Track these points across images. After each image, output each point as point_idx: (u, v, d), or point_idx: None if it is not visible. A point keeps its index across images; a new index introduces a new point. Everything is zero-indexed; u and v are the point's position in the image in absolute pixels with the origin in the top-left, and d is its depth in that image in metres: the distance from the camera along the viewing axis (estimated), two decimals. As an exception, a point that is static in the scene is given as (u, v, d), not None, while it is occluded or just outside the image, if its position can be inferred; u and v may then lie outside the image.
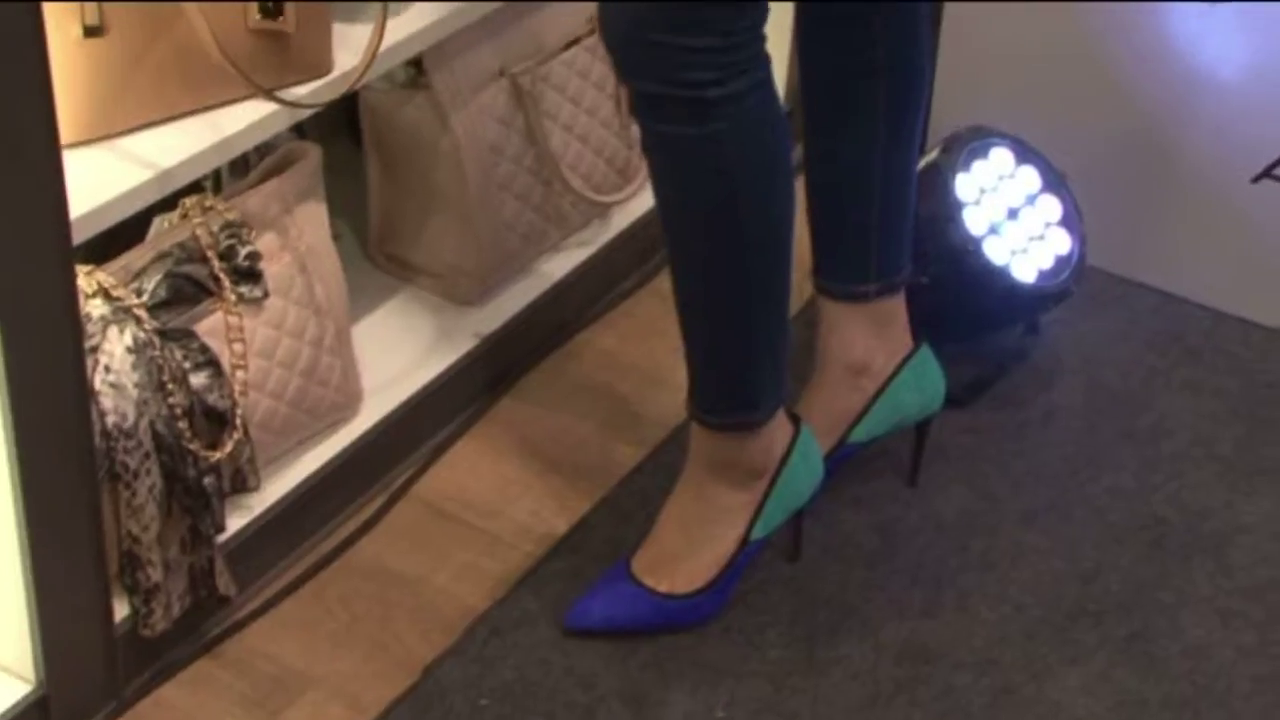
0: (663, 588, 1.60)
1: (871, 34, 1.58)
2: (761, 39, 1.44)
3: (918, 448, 1.76)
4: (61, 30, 1.43)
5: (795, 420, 1.61)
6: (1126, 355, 1.96)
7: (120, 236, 1.51)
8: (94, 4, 1.44)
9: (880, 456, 1.76)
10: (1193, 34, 1.93)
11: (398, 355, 1.81)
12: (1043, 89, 2.03)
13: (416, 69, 1.79)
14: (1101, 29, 1.98)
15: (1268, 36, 1.89)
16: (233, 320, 1.55)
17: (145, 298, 1.50)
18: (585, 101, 1.92)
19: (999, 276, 1.85)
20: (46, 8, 1.27)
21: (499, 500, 1.75)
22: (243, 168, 1.69)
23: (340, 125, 1.96)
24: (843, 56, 1.60)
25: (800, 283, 1.92)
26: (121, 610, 1.51)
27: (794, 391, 1.67)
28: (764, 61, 1.45)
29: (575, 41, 1.90)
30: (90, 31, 1.45)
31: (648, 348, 1.93)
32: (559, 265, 1.94)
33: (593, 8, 1.85)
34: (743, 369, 1.55)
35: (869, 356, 1.68)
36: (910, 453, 1.77)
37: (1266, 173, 1.95)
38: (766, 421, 1.57)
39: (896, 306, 1.69)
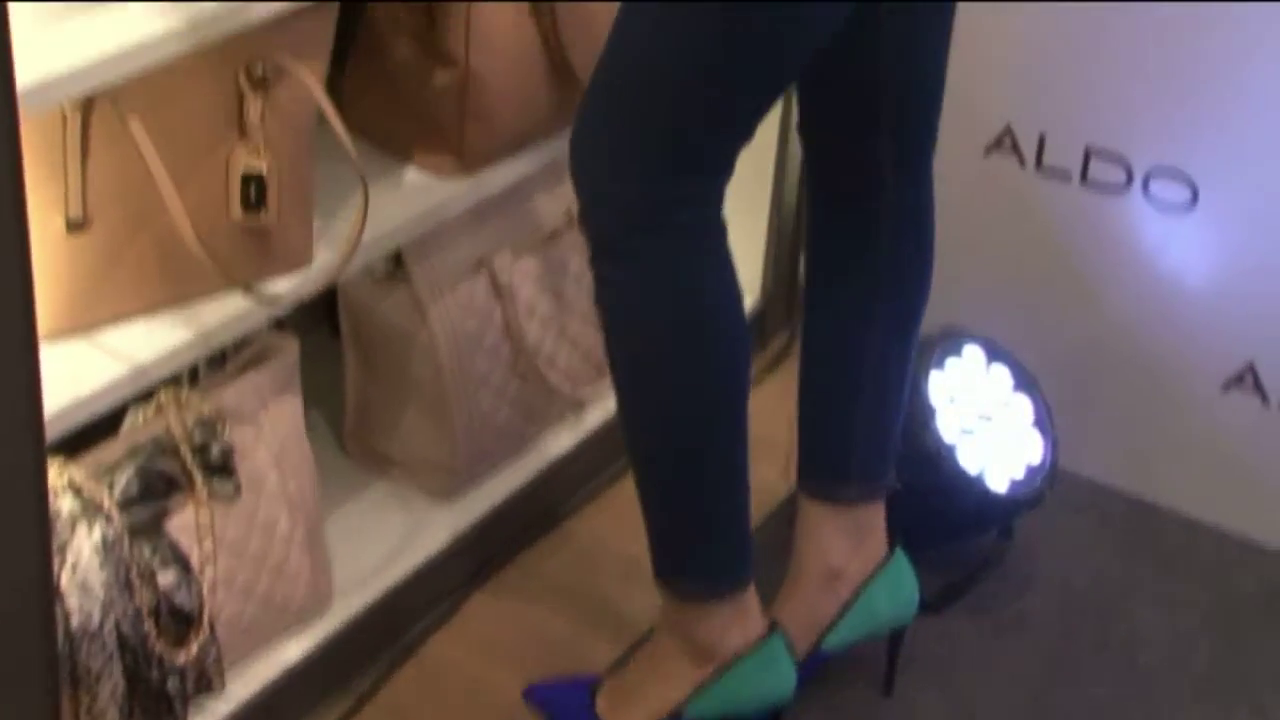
0: (605, 715, 1.61)
1: (879, 238, 1.60)
2: (705, 202, 1.44)
3: (891, 655, 1.74)
4: (44, 223, 1.42)
5: (772, 625, 1.58)
6: (1099, 563, 1.95)
7: (93, 423, 1.49)
8: (79, 198, 1.43)
9: (854, 664, 1.74)
10: (1161, 240, 1.95)
11: (371, 549, 1.78)
12: (1013, 293, 2.05)
13: (395, 261, 1.79)
14: (1071, 232, 2.00)
15: (1235, 244, 1.91)
16: (203, 517, 1.53)
17: (116, 493, 1.47)
18: (563, 295, 1.92)
19: (972, 484, 1.85)
20: (31, 200, 1.26)
21: (471, 701, 1.72)
22: (220, 358, 1.67)
23: (319, 315, 1.95)
24: (855, 263, 1.61)
25: (775, 481, 1.92)
26: (77, 818, 1.47)
27: (767, 594, 1.65)
28: (700, 223, 1.44)
29: (554, 235, 1.91)
30: (74, 225, 1.44)
31: (626, 542, 1.91)
32: (536, 458, 1.92)
33: (571, 201, 1.86)
34: (674, 536, 1.55)
35: (844, 562, 1.67)
36: (884, 660, 1.74)
37: (1237, 381, 1.96)
38: (707, 599, 1.54)
39: (876, 513, 1.68)
